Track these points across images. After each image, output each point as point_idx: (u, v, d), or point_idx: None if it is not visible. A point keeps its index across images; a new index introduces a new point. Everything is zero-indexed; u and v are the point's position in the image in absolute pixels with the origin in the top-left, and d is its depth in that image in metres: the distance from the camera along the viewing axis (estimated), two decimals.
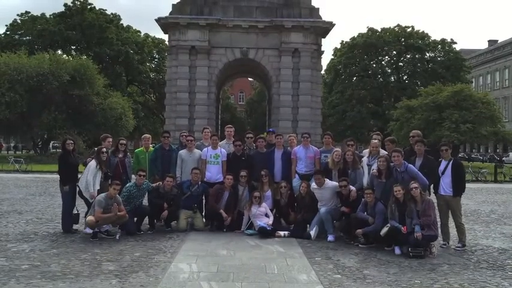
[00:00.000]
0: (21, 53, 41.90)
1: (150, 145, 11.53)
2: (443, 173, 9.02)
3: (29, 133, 44.94)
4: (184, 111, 32.74)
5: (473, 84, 68.93)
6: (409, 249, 8.13)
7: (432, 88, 43.40)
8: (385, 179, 9.12)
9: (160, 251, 8.29)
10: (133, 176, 10.68)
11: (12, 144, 74.49)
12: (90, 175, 9.66)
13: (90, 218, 9.08)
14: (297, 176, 10.62)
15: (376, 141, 10.14)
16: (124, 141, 10.95)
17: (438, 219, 9.08)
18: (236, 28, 32.68)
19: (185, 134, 11.90)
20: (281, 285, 6.44)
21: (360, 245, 8.95)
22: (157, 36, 69.47)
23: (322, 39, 34.28)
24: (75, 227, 10.03)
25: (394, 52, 57.27)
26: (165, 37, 37.39)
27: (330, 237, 9.45)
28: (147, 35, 63.53)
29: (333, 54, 61.52)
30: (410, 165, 9.07)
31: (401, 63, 58.29)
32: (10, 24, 56.38)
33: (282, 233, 9.73)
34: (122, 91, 51.73)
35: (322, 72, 42.66)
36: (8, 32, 56.25)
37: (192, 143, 10.97)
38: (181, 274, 6.82)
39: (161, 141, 11.34)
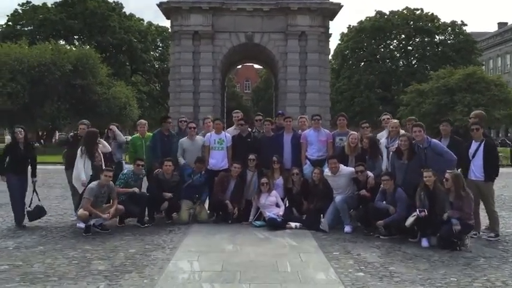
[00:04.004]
0: (23, 43, 41.08)
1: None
2: (473, 155, 8.06)
3: (32, 124, 44.24)
4: (188, 99, 31.70)
5: (484, 67, 67.37)
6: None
7: (443, 71, 42.22)
8: (407, 160, 8.19)
9: (158, 246, 7.43)
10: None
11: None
12: (79, 163, 8.84)
13: (81, 211, 8.23)
14: (307, 161, 9.69)
15: (395, 120, 9.24)
16: (113, 126, 10.20)
17: None
18: (240, 11, 31.47)
19: (184, 119, 11.02)
20: (296, 286, 5.57)
21: (380, 237, 8.03)
22: (160, 24, 68.57)
23: (330, 21, 33.09)
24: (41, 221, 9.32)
25: (403, 36, 55.94)
26: (168, 24, 36.39)
27: (347, 228, 8.55)
28: (150, 23, 62.46)
29: (340, 39, 60.14)
30: (435, 141, 8.13)
31: (410, 47, 56.81)
32: (11, 14, 55.41)
33: (293, 224, 8.84)
34: (126, 80, 50.92)
35: (329, 57, 41.48)
36: (10, 23, 55.35)
37: (193, 131, 10.07)
38: (180, 274, 5.97)
39: (162, 126, 10.42)
